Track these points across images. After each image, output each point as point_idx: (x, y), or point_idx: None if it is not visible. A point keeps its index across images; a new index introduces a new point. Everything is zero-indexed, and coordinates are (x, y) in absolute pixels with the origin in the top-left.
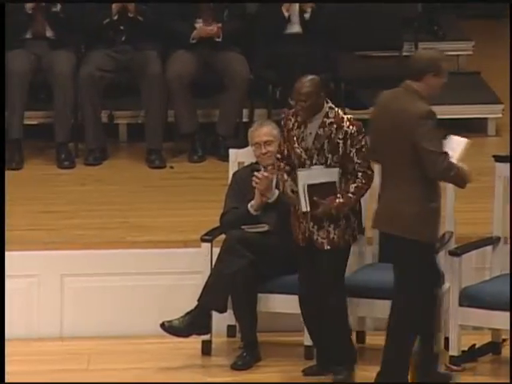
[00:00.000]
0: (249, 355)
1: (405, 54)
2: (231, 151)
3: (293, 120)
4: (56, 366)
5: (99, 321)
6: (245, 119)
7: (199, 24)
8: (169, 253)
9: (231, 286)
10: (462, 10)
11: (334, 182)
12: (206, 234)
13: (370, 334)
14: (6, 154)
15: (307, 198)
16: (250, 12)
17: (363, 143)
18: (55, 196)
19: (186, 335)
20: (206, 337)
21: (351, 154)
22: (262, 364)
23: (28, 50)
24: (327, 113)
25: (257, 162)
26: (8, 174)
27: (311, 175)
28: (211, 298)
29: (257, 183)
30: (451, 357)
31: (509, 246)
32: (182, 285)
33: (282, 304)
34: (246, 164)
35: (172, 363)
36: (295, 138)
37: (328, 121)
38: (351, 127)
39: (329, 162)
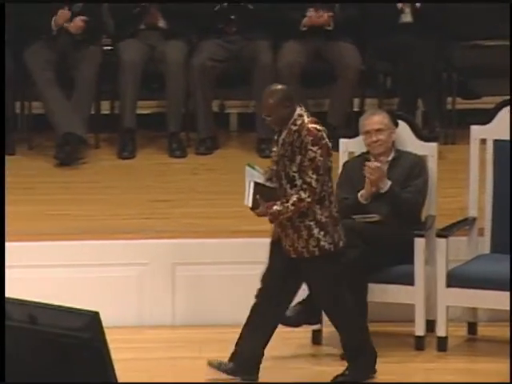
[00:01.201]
0: None
1: None
2: (342, 141)
3: None
4: (168, 354)
5: (210, 309)
6: (356, 109)
7: (310, 13)
8: None
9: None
10: None
11: (275, 189)
12: None
13: (481, 326)
14: (119, 143)
15: (251, 195)
16: (362, 1)
17: (316, 155)
18: (167, 185)
19: (297, 325)
20: (316, 326)
21: (304, 164)
22: None
23: (141, 41)
24: (295, 120)
25: (367, 152)
26: (121, 163)
27: (254, 175)
28: None
29: (369, 173)
30: (439, 338)
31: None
32: None
33: (394, 294)
34: (356, 154)
35: (282, 352)
36: (275, 142)
37: (294, 128)
38: (307, 137)
39: (287, 169)
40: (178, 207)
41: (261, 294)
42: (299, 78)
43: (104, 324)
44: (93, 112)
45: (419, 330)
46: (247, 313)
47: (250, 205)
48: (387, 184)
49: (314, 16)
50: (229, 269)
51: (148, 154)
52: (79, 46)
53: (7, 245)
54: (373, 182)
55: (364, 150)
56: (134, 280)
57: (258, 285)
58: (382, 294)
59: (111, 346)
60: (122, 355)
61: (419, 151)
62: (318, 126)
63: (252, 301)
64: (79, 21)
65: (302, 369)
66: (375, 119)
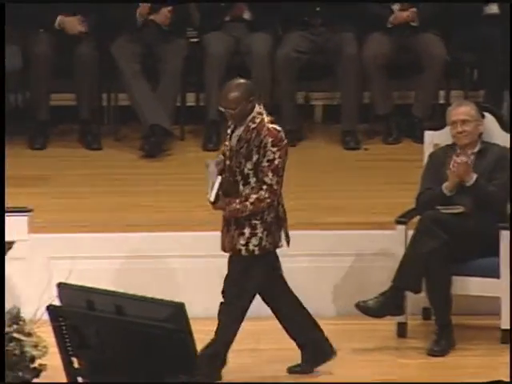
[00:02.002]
0: (444, 340)
1: None
2: (427, 133)
3: None
4: (253, 345)
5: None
6: (441, 101)
7: (396, 7)
8: (362, 234)
9: (425, 267)
10: None
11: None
12: (401, 216)
13: None
14: (204, 135)
15: (215, 190)
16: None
17: (276, 156)
18: None
19: (380, 316)
20: (401, 318)
21: (262, 164)
22: (457, 347)
23: (226, 33)
24: (254, 118)
25: (454, 143)
26: (205, 155)
27: (212, 172)
28: (405, 278)
29: (455, 168)
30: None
31: None
32: (375, 266)
33: (479, 287)
34: (441, 146)
35: (366, 344)
36: (227, 137)
37: (252, 126)
38: (267, 137)
39: (242, 167)
40: None
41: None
42: (384, 69)
43: (189, 315)
44: (178, 104)
45: (505, 323)
46: (330, 304)
47: (213, 199)
48: (473, 177)
49: (399, 13)
50: (306, 261)
51: None
52: (165, 38)
53: (93, 236)
54: (459, 176)
55: (449, 142)
56: (217, 271)
57: (338, 276)
58: (466, 286)
59: (196, 336)
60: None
61: (505, 144)
62: (277, 127)
63: (336, 292)
64: (166, 11)
65: (385, 361)
66: (461, 110)
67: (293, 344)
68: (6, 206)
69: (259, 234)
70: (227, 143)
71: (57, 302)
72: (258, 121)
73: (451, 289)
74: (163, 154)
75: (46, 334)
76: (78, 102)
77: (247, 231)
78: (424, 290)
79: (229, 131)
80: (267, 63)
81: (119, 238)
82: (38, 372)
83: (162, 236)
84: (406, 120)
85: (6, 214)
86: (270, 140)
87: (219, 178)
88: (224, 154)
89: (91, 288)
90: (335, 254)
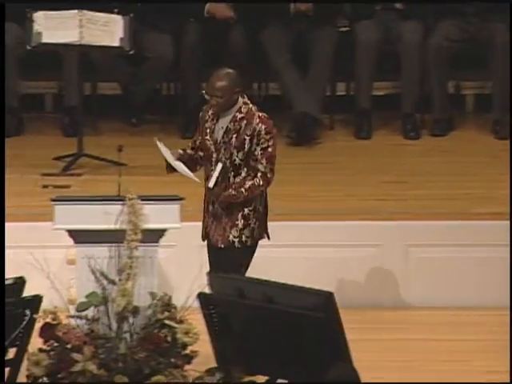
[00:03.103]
0: None
1: None
2: None
3: (209, 111)
4: (400, 335)
5: (445, 292)
6: None
7: None
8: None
9: None
10: None
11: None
12: None
13: None
14: (355, 124)
15: (215, 176)
16: None
17: (270, 143)
18: (401, 167)
19: None
20: None
21: (256, 153)
22: None
23: (377, 21)
24: (240, 108)
25: None
26: (355, 144)
27: (166, 151)
28: None
29: None
30: None
31: None
32: None
33: None
34: None
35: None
36: (208, 131)
37: (239, 116)
38: (260, 125)
39: (233, 157)
40: (411, 189)
41: None
42: None
43: (338, 304)
44: (328, 93)
45: None
46: (483, 295)
47: (212, 185)
48: None
49: None
50: (462, 251)
51: (382, 136)
52: (315, 26)
53: None
54: None
55: None
56: (368, 261)
57: (486, 267)
58: None
59: (345, 326)
60: (356, 336)
61: None
62: (266, 115)
63: (487, 283)
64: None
65: None
66: None
67: None
68: (136, 195)
69: (252, 225)
70: (209, 137)
71: (207, 290)
72: (245, 110)
73: None
74: (312, 142)
75: (196, 321)
76: None
77: (240, 223)
78: None
79: (208, 125)
80: (418, 52)
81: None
82: (189, 358)
83: (309, 225)
84: None
85: (159, 202)
86: (264, 127)
87: (220, 164)
88: (204, 149)
89: (241, 276)
90: (481, 245)
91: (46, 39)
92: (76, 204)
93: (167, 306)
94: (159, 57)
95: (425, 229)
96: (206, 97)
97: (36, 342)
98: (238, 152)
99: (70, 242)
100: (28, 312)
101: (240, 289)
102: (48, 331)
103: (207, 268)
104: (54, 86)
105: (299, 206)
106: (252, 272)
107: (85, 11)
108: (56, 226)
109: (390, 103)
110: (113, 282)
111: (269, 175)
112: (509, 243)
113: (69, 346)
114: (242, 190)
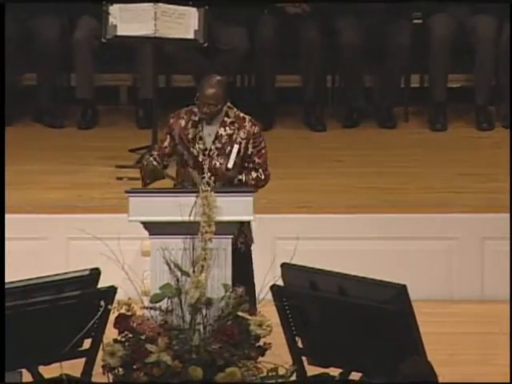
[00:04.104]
0: None
1: None
2: None
3: (185, 118)
4: (476, 329)
5: None
6: None
7: None
8: None
9: None
10: None
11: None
12: None
13: None
14: (430, 116)
15: (233, 158)
16: None
17: (263, 145)
18: (475, 159)
19: None
20: None
21: (251, 154)
22: None
23: (451, 15)
24: (227, 112)
25: None
26: (429, 136)
27: None
28: None
29: None
30: None
31: None
32: None
33: None
34: None
35: None
36: (191, 138)
37: (228, 120)
38: (253, 127)
39: (232, 172)
40: (486, 181)
41: None
42: None
43: (412, 297)
44: (402, 85)
45: None
46: None
47: (231, 166)
48: None
49: None
50: None
51: (456, 128)
52: (389, 19)
53: (317, 216)
54: None
55: None
56: (443, 254)
57: None
58: None
59: (419, 319)
60: (430, 328)
61: None
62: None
63: None
64: None
65: None
66: None
67: None
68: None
69: (245, 231)
70: (195, 151)
71: (280, 282)
72: (232, 114)
73: None
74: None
75: (269, 313)
76: (304, 83)
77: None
78: None
79: (191, 133)
80: (491, 45)
81: (342, 220)
82: (263, 350)
83: (384, 218)
84: None
85: (232, 194)
86: (257, 129)
87: (236, 146)
88: (194, 159)
89: (314, 269)
90: None
91: (120, 32)
92: (150, 196)
93: (240, 297)
94: (233, 49)
95: (500, 221)
96: (197, 103)
97: (111, 333)
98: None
99: (145, 233)
100: (103, 303)
101: (313, 281)
102: (122, 322)
103: (280, 260)
104: (128, 78)
105: (374, 198)
106: (327, 265)
107: (160, 4)
108: (131, 217)
109: (465, 95)
110: (187, 274)
111: (267, 172)
112: None
113: (143, 337)
114: (250, 178)
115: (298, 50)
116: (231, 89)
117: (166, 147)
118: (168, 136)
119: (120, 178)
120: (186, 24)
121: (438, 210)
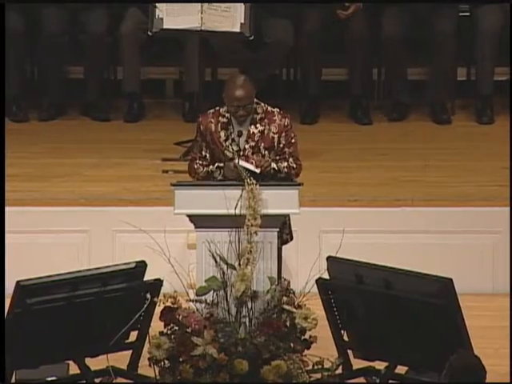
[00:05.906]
0: None
1: None
2: None
3: (214, 121)
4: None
5: None
6: None
7: None
8: None
9: None
10: None
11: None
12: None
13: None
14: (476, 109)
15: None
16: None
17: (293, 135)
18: None
19: None
20: None
21: (283, 146)
22: None
23: (497, 7)
24: (255, 109)
25: None
26: (475, 130)
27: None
28: None
29: None
30: None
31: None
32: None
33: None
34: None
35: None
36: (223, 141)
37: (258, 117)
38: (284, 119)
39: (266, 159)
40: None
41: None
42: None
43: (458, 291)
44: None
45: None
46: None
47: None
48: None
49: None
50: None
51: (503, 121)
52: (435, 10)
53: (362, 210)
54: None
55: None
56: (488, 247)
57: None
58: None
59: (465, 312)
60: (477, 322)
61: None
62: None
63: None
64: None
65: None
66: None
67: None
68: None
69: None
70: (229, 153)
71: (326, 276)
72: (260, 110)
73: None
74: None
75: (315, 306)
76: (350, 76)
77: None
78: None
79: (223, 135)
80: None
81: (387, 213)
82: (308, 343)
83: (430, 211)
84: None
85: (278, 188)
86: (288, 121)
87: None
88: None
89: (360, 262)
90: None
91: (167, 25)
92: (196, 189)
93: (286, 291)
94: (279, 42)
95: None
96: (238, 108)
97: (157, 326)
98: (269, 152)
99: (191, 226)
100: (149, 296)
101: (359, 274)
102: (168, 315)
103: (326, 253)
104: (174, 71)
105: (420, 192)
106: (373, 258)
107: None
108: (176, 210)
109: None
110: (232, 267)
111: (299, 162)
112: None
113: (189, 329)
114: (282, 166)
115: (343, 43)
116: (277, 82)
117: (205, 156)
118: (203, 144)
119: (166, 171)
120: (232, 17)
121: (483, 204)
